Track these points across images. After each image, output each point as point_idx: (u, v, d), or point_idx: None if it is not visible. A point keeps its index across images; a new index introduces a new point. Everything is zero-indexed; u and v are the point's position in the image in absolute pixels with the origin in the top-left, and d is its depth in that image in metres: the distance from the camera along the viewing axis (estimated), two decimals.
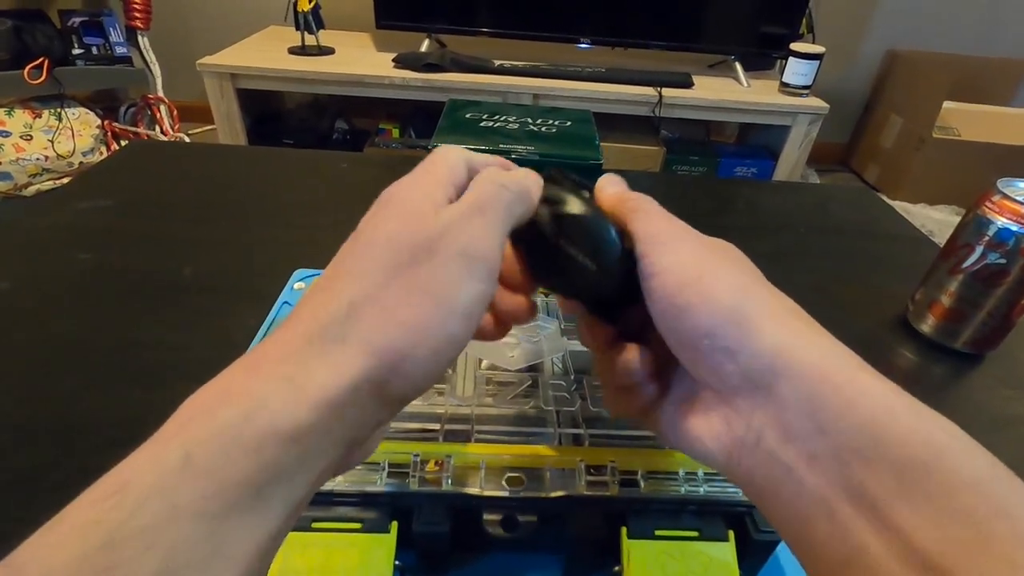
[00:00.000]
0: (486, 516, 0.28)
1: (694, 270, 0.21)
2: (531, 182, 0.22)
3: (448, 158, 0.21)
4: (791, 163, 1.94)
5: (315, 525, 0.27)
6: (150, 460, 0.14)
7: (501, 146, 0.59)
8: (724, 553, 0.28)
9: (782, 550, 0.31)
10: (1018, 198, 0.44)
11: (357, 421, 0.17)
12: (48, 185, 1.70)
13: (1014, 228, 0.44)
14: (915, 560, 0.15)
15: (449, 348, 0.18)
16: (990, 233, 0.45)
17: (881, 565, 0.15)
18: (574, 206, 0.22)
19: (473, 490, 0.27)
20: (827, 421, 0.17)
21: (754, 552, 0.29)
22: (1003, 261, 0.45)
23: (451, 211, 0.19)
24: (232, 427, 0.15)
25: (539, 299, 0.42)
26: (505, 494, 0.27)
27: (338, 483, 0.27)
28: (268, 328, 0.44)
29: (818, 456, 0.17)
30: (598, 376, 0.26)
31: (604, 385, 0.26)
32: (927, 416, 0.17)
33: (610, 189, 0.25)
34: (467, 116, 0.63)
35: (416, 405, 0.31)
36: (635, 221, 0.22)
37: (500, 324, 0.23)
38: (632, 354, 0.23)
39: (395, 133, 2.09)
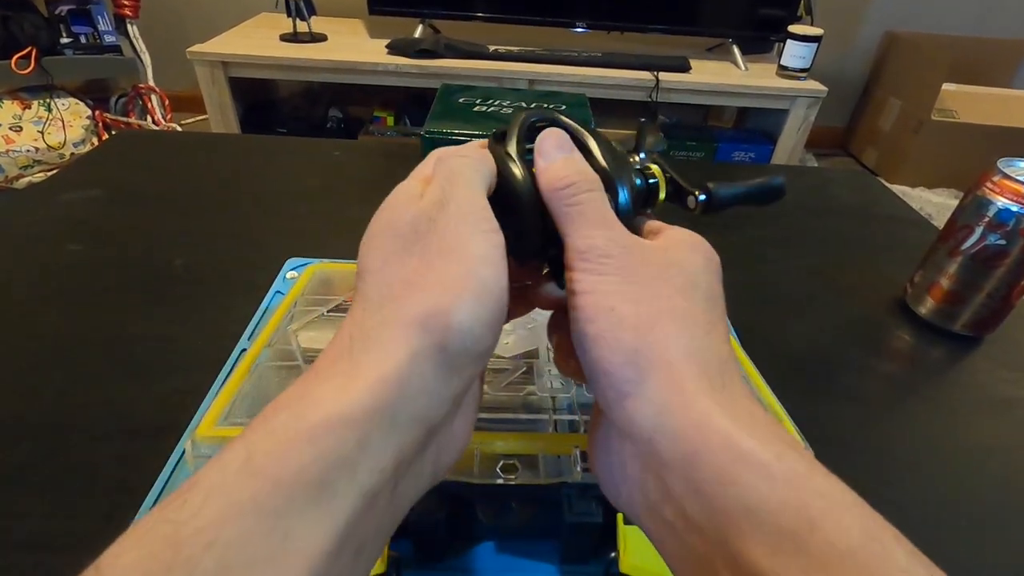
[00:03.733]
0: (481, 504, 0.28)
1: (609, 298, 0.19)
2: (481, 151, 0.23)
3: (428, 160, 0.23)
4: (789, 147, 1.93)
5: None
6: (215, 463, 0.15)
7: (494, 131, 0.58)
8: None
9: None
10: (1019, 178, 0.43)
11: (423, 393, 0.17)
12: (39, 177, 1.68)
13: (1014, 208, 0.43)
14: None
15: (488, 295, 0.18)
16: (990, 214, 0.45)
17: None
18: (508, 177, 0.22)
19: (467, 478, 0.27)
20: (703, 485, 0.17)
21: None
22: (1003, 242, 0.44)
23: (431, 190, 0.20)
24: (287, 425, 0.15)
25: None
26: (500, 482, 0.27)
27: None
28: (260, 318, 0.43)
29: (695, 519, 0.17)
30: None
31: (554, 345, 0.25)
32: (805, 482, 0.16)
33: (548, 169, 0.22)
34: (460, 101, 0.62)
35: None
36: (567, 224, 0.21)
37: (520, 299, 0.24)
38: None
39: (390, 121, 2.08)
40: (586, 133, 0.24)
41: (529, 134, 0.24)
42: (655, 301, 0.19)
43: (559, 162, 0.22)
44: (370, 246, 0.20)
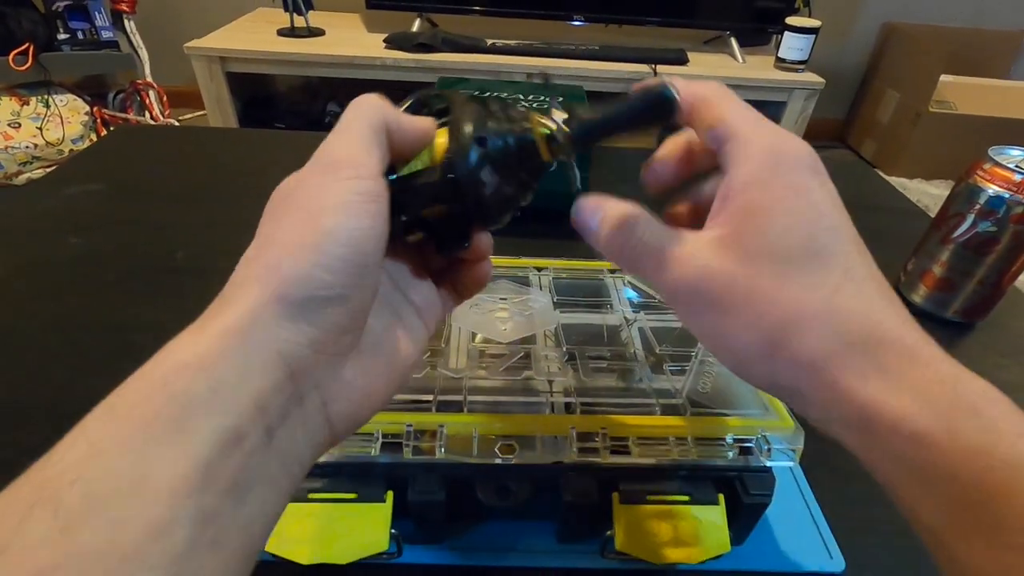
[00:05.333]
0: (480, 484, 0.29)
1: (721, 334, 0.20)
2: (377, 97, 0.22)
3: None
4: None
5: (312, 496, 0.27)
6: (87, 417, 0.16)
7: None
8: (714, 516, 0.29)
9: (772, 513, 0.32)
10: (1009, 165, 0.44)
11: (272, 339, 0.17)
12: (38, 173, 1.68)
13: (1005, 195, 0.44)
14: None
15: (331, 242, 0.18)
16: (981, 201, 0.45)
17: None
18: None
19: (466, 458, 0.27)
20: (879, 463, 0.18)
21: (744, 515, 0.30)
22: (993, 229, 0.45)
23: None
24: (145, 374, 0.16)
25: (532, 274, 0.42)
26: (498, 462, 0.27)
27: (333, 454, 0.27)
28: None
29: (925, 507, 0.17)
30: None
31: None
32: (985, 459, 0.16)
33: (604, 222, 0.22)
34: None
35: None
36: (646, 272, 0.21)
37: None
38: None
39: None
40: (458, 102, 0.22)
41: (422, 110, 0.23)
42: (764, 304, 0.19)
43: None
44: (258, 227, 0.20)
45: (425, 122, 0.22)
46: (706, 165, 0.23)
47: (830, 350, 0.18)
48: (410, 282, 0.23)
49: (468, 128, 0.21)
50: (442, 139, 0.21)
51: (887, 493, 0.18)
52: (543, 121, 0.21)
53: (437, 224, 0.22)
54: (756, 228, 0.19)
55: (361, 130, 0.20)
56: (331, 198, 0.19)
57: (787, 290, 0.18)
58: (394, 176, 0.21)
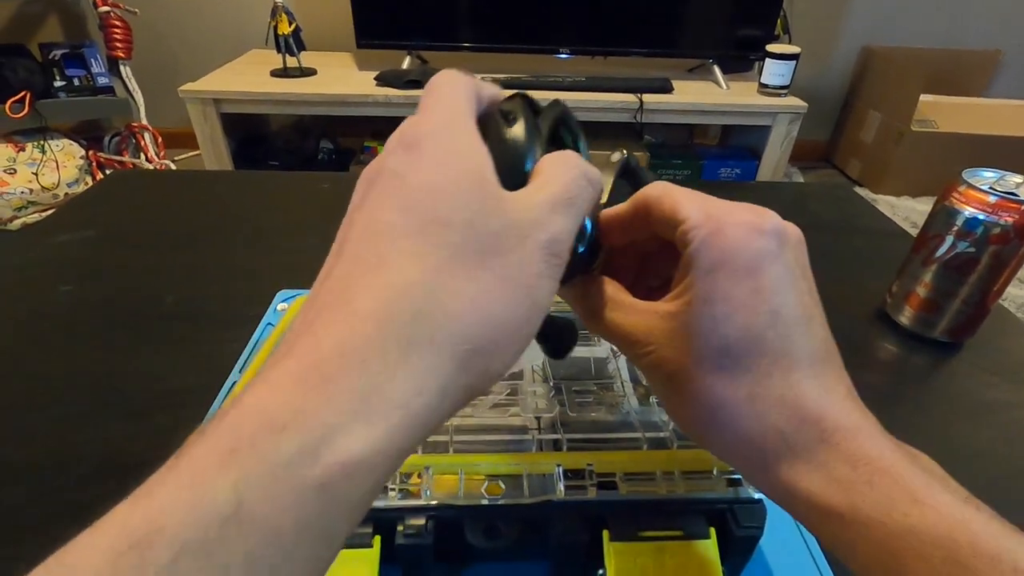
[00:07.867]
0: (468, 526, 0.28)
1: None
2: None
3: (459, 87, 0.19)
4: (774, 162, 1.97)
5: None
6: (189, 502, 0.12)
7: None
8: (706, 550, 0.28)
9: (766, 545, 0.31)
10: (983, 187, 0.45)
11: (434, 430, 0.15)
12: (34, 218, 1.69)
13: (981, 217, 0.45)
14: None
15: (525, 344, 0.16)
16: (958, 223, 0.46)
17: None
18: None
19: (453, 500, 0.27)
20: (848, 551, 0.18)
21: (737, 548, 0.29)
22: (972, 250, 0.46)
23: (538, 198, 0.17)
24: (293, 462, 0.12)
25: None
26: (485, 502, 0.27)
27: None
28: (252, 350, 0.44)
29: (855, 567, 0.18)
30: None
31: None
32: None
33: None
34: None
35: None
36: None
37: None
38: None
39: (380, 150, 2.10)
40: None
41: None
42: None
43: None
44: (419, 226, 0.15)
45: None
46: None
47: (753, 434, 0.19)
48: None
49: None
50: None
51: None
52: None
53: None
54: (698, 314, 0.19)
55: (583, 215, 0.18)
56: (544, 294, 0.17)
57: (718, 379, 0.19)
58: None
